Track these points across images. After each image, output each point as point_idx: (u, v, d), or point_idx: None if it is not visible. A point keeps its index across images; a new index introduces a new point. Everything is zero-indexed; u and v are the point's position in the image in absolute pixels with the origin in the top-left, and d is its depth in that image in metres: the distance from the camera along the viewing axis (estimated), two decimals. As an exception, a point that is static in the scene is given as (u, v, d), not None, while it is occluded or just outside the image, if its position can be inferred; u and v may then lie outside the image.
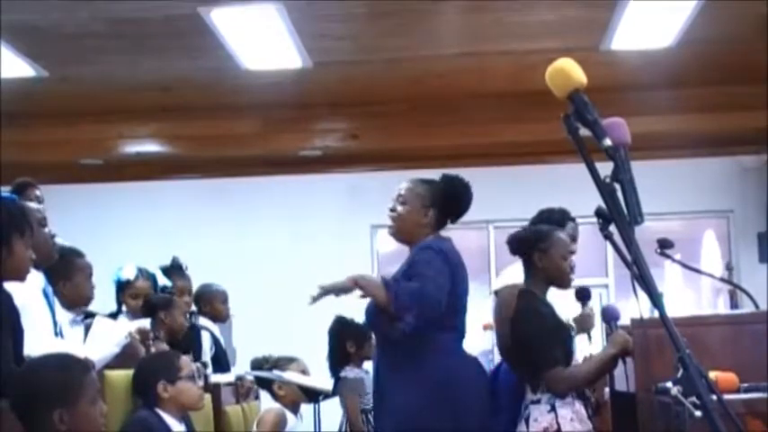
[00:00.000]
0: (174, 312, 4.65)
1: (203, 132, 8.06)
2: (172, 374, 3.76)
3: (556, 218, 4.22)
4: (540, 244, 3.71)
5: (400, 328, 3.44)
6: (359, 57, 6.85)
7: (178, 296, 4.98)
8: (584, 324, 4.16)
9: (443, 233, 3.78)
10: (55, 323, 3.51)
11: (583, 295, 4.27)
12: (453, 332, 3.66)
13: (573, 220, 4.30)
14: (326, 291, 3.51)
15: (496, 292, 4.19)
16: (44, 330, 3.38)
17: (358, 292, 3.55)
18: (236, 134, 8.10)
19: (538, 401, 3.59)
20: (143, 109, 7.82)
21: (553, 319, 3.67)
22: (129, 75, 7.05)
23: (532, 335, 3.58)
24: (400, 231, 3.75)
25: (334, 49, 6.64)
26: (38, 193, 4.07)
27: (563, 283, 3.76)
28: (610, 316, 3.66)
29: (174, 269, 5.19)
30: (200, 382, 4.06)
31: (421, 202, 3.70)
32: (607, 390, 4.17)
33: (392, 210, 3.73)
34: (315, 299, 3.48)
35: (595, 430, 3.71)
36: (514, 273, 4.22)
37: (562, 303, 3.97)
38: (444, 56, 6.92)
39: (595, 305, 4.30)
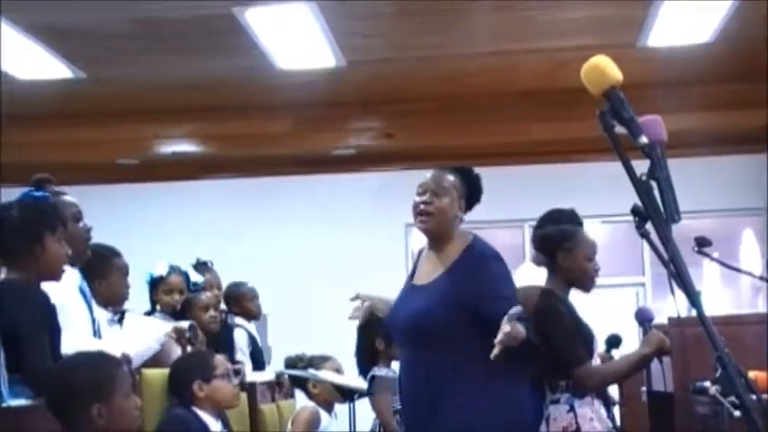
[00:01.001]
0: (195, 311, 4.65)
1: (237, 132, 8.10)
2: (207, 373, 3.79)
3: (564, 219, 4.16)
4: (565, 243, 3.69)
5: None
6: (392, 55, 6.86)
7: (207, 290, 5.00)
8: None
9: (478, 233, 3.72)
10: (93, 321, 3.53)
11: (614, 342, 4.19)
12: None
13: (581, 223, 4.23)
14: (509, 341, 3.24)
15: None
16: (82, 329, 3.40)
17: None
18: (270, 133, 8.14)
19: (557, 401, 3.58)
20: (178, 109, 7.87)
21: (573, 318, 3.65)
22: (164, 75, 7.10)
23: (556, 334, 3.55)
24: (439, 226, 3.53)
25: (367, 48, 6.65)
26: (55, 189, 4.08)
27: (585, 284, 3.73)
28: (643, 317, 3.63)
29: (200, 265, 5.21)
30: (236, 381, 4.07)
31: (458, 193, 3.54)
32: (644, 389, 4.15)
33: (427, 203, 3.52)
34: (496, 355, 3.23)
35: (615, 429, 3.68)
36: (524, 274, 4.20)
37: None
38: (477, 54, 6.90)
39: (631, 305, 4.25)
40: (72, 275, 3.47)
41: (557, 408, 3.56)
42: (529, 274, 4.16)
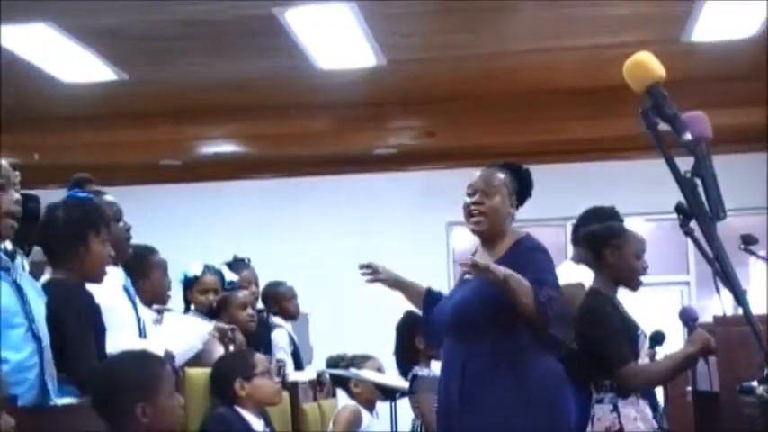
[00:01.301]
0: (231, 309, 4.65)
1: (278, 132, 8.14)
2: (247, 372, 3.80)
3: (606, 217, 4.11)
4: (613, 240, 3.65)
5: (552, 335, 3.31)
6: (432, 54, 6.84)
7: (245, 287, 4.99)
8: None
9: (521, 229, 3.70)
10: (138, 320, 3.56)
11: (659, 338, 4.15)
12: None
13: (621, 220, 4.19)
14: (477, 265, 3.28)
15: None
16: (128, 329, 3.43)
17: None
18: (311, 133, 8.16)
19: (601, 401, 3.55)
20: (219, 110, 7.92)
21: (620, 317, 3.61)
22: (205, 76, 7.15)
23: (600, 334, 3.52)
24: (493, 224, 3.49)
25: (407, 47, 6.64)
26: (95, 188, 4.11)
27: (633, 282, 3.69)
28: (688, 316, 3.59)
29: (238, 262, 5.21)
30: (277, 378, 4.08)
31: (508, 190, 3.50)
32: (689, 388, 4.10)
33: (479, 203, 3.48)
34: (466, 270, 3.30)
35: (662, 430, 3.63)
36: (567, 272, 4.16)
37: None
38: (517, 51, 6.86)
39: (676, 304, 4.20)
40: (116, 275, 3.50)
41: (600, 407, 3.54)
42: (569, 272, 4.13)
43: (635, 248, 3.66)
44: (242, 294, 4.71)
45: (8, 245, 3.24)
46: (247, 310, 4.66)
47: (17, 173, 2.76)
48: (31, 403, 2.55)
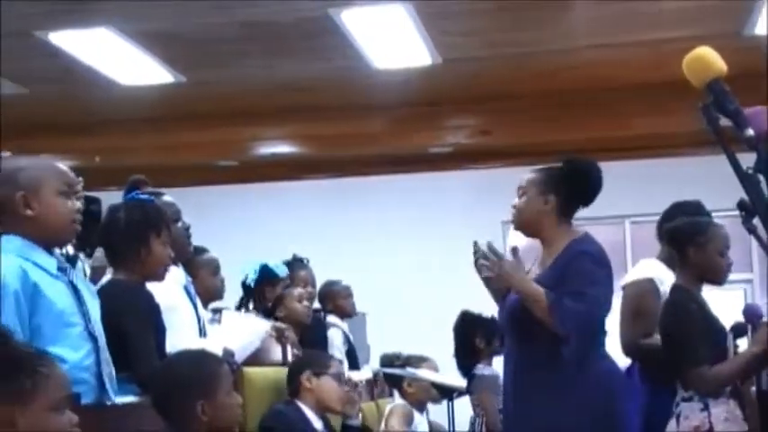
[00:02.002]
0: (288, 303, 4.68)
1: (334, 132, 8.16)
2: (318, 367, 3.84)
3: (690, 212, 4.03)
4: (697, 237, 3.56)
5: (569, 354, 3.28)
6: (488, 52, 6.81)
7: (301, 287, 5.02)
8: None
9: (579, 228, 3.64)
10: (199, 319, 3.59)
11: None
12: (599, 338, 3.51)
13: (708, 214, 4.11)
14: (482, 252, 3.40)
15: (624, 287, 4.07)
16: (188, 328, 3.46)
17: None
18: (367, 133, 8.16)
19: (690, 399, 3.46)
20: (276, 110, 7.96)
21: (703, 317, 3.53)
22: (262, 77, 7.19)
23: (679, 332, 3.46)
24: (522, 225, 3.56)
25: (462, 46, 6.62)
26: (151, 189, 4.16)
27: (717, 279, 3.61)
28: (751, 315, 3.51)
29: (296, 261, 5.24)
30: (347, 388, 4.09)
31: (538, 189, 3.49)
32: (753, 389, 4.00)
33: (513, 206, 3.57)
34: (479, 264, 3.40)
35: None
36: (639, 268, 4.10)
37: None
38: (576, 48, 6.80)
39: (739, 302, 4.12)
40: (177, 274, 3.54)
41: (689, 405, 3.45)
42: (645, 269, 4.06)
43: (719, 246, 3.58)
44: (297, 291, 4.75)
45: (70, 249, 3.29)
46: (303, 302, 4.70)
47: (80, 178, 2.80)
48: (90, 402, 2.59)
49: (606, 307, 3.38)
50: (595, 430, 3.30)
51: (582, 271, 3.38)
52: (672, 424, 3.47)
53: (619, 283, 3.99)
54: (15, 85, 7.00)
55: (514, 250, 3.47)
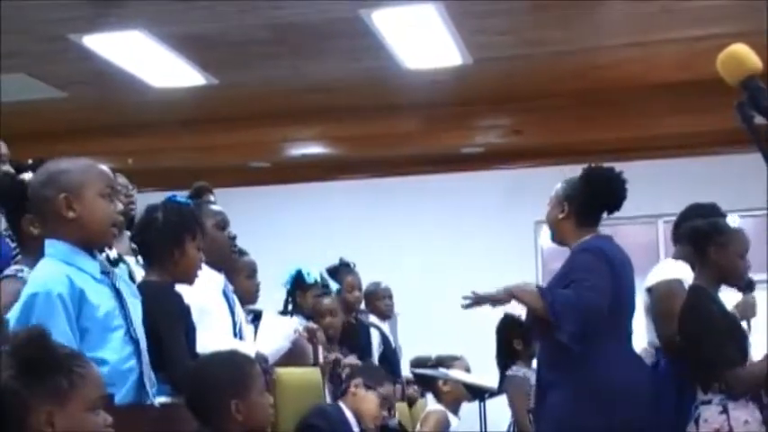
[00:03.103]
0: (318, 314, 4.70)
1: (366, 133, 8.17)
2: (371, 381, 3.91)
3: (706, 213, 4.01)
4: (717, 238, 3.55)
5: (559, 337, 3.41)
6: (519, 51, 6.78)
7: (348, 292, 5.06)
8: (745, 312, 3.92)
9: (608, 230, 3.69)
10: (234, 323, 3.61)
11: (745, 285, 4.06)
12: (617, 335, 3.54)
13: (724, 215, 4.09)
14: (481, 299, 3.55)
15: (650, 289, 4.05)
16: (221, 331, 3.49)
17: (515, 303, 3.58)
18: (398, 133, 8.16)
19: (709, 402, 3.44)
20: (307, 111, 7.98)
21: (724, 317, 3.51)
22: (293, 78, 7.21)
23: (704, 334, 3.44)
24: (551, 233, 3.80)
25: (494, 45, 6.60)
26: (212, 197, 4.19)
27: (736, 281, 3.60)
28: None
29: (343, 266, 5.28)
30: (385, 413, 4.13)
31: (557, 199, 3.70)
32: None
33: None
34: (467, 306, 3.53)
35: None
36: (667, 269, 4.08)
37: (723, 294, 3.80)
38: (609, 46, 6.75)
39: (763, 300, 4.08)
40: (217, 280, 3.57)
41: (708, 408, 3.43)
42: (669, 269, 4.05)
43: (740, 247, 3.56)
44: (327, 301, 4.77)
45: (113, 253, 3.31)
46: (329, 318, 4.70)
47: (122, 180, 2.83)
48: (130, 402, 2.62)
49: (600, 292, 3.44)
50: (610, 427, 3.34)
51: (579, 263, 3.55)
52: (691, 426, 3.45)
53: (643, 283, 3.99)
54: (53, 88, 7.07)
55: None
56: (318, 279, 4.79)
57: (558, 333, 3.39)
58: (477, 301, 3.54)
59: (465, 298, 3.55)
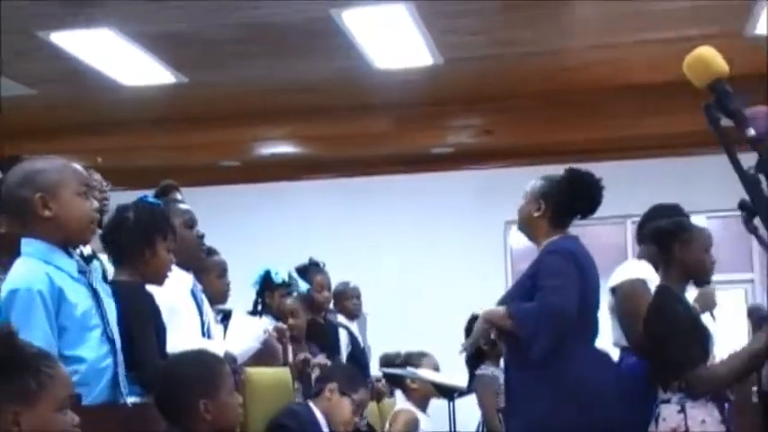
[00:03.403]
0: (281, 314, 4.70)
1: (336, 132, 8.16)
2: (347, 387, 3.90)
3: (669, 214, 4.05)
4: (681, 235, 3.59)
5: (537, 352, 3.42)
6: (490, 52, 6.80)
7: (317, 291, 5.05)
8: (706, 304, 3.97)
9: (577, 231, 3.70)
10: (203, 323, 3.60)
11: None
12: (584, 336, 3.57)
13: (687, 216, 4.14)
14: (473, 344, 3.67)
15: (614, 289, 4.08)
16: (189, 330, 3.48)
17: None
18: (369, 133, 8.17)
19: (668, 401, 3.48)
20: (277, 111, 7.97)
21: (690, 317, 3.55)
22: (263, 78, 7.20)
23: (669, 334, 3.46)
24: (519, 227, 3.79)
25: (464, 45, 6.62)
26: (179, 195, 4.18)
27: (702, 277, 3.64)
28: (757, 314, 3.52)
29: (312, 266, 5.27)
30: (357, 419, 4.13)
31: (533, 196, 3.67)
32: (755, 389, 4.01)
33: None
34: (464, 350, 3.71)
35: None
36: (630, 269, 4.11)
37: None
38: (578, 48, 6.80)
39: (740, 302, 4.14)
40: (185, 279, 3.56)
41: (667, 407, 3.47)
42: (632, 269, 4.08)
43: (704, 243, 3.61)
44: (289, 302, 4.76)
45: (87, 249, 3.30)
46: (291, 320, 4.70)
47: (96, 176, 2.83)
48: (104, 402, 2.61)
49: (569, 297, 3.46)
50: (580, 426, 3.35)
51: (546, 266, 3.54)
52: (652, 425, 3.49)
53: (607, 282, 4.03)
54: (21, 85, 7.00)
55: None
56: (287, 279, 4.78)
57: (531, 353, 3.40)
58: (472, 345, 3.71)
59: (462, 349, 3.78)
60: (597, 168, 3.77)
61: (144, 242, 3.03)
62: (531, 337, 3.40)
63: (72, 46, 6.31)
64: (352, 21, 6.02)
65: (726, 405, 3.56)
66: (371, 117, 8.04)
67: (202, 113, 7.89)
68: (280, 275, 4.76)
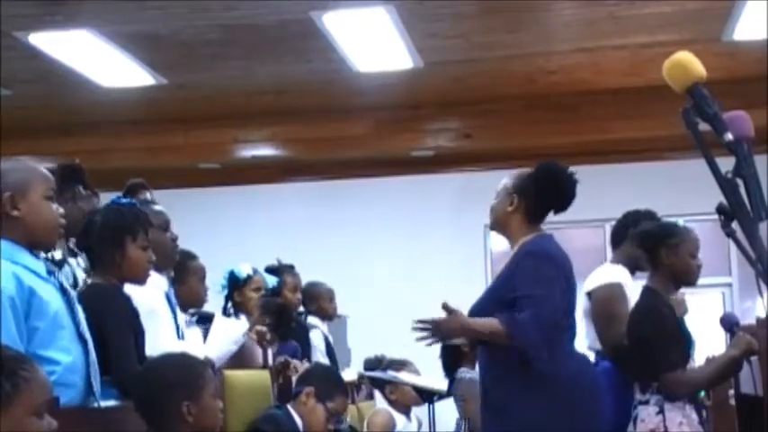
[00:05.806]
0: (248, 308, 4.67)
1: (316, 135, 8.15)
2: (325, 393, 3.87)
3: (642, 220, 4.06)
4: (668, 239, 3.59)
5: (537, 367, 3.34)
6: (470, 55, 6.82)
7: (289, 292, 5.02)
8: (678, 311, 3.96)
9: (555, 234, 3.66)
10: (177, 326, 3.59)
11: None
12: (563, 336, 3.54)
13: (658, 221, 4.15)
14: (431, 332, 3.50)
15: (589, 293, 4.09)
16: (167, 333, 3.47)
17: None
18: (349, 136, 8.16)
19: (646, 402, 3.50)
20: (258, 113, 7.95)
21: (675, 321, 3.56)
22: (244, 80, 7.18)
23: (652, 336, 3.48)
24: (492, 225, 3.68)
25: (445, 49, 6.63)
26: (148, 195, 4.15)
27: (689, 281, 3.64)
28: (729, 322, 3.55)
29: (282, 267, 5.24)
30: (331, 426, 4.10)
31: (506, 191, 3.58)
32: (732, 392, 4.04)
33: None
34: (420, 338, 3.49)
35: None
36: (606, 272, 4.12)
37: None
38: (558, 52, 6.82)
39: (719, 304, 4.16)
40: (160, 281, 3.54)
41: (645, 409, 3.48)
42: (607, 273, 4.10)
43: (690, 247, 3.61)
44: (255, 297, 4.73)
45: (57, 254, 3.28)
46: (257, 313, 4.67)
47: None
48: (78, 405, 2.59)
49: (557, 303, 3.41)
50: (557, 423, 3.33)
51: (526, 272, 3.44)
52: (630, 426, 3.50)
53: (582, 285, 4.02)
54: (-4, 86, 6.96)
55: (445, 306, 3.52)
56: (251, 273, 4.74)
57: (533, 363, 3.34)
58: (427, 332, 3.49)
59: (416, 329, 3.49)
60: (576, 171, 3.76)
61: (112, 244, 3.02)
62: (529, 351, 3.33)
63: (49, 47, 6.27)
64: (333, 23, 6.02)
65: (703, 407, 3.58)
66: (351, 120, 8.04)
67: (181, 115, 7.87)
68: (243, 271, 4.73)
